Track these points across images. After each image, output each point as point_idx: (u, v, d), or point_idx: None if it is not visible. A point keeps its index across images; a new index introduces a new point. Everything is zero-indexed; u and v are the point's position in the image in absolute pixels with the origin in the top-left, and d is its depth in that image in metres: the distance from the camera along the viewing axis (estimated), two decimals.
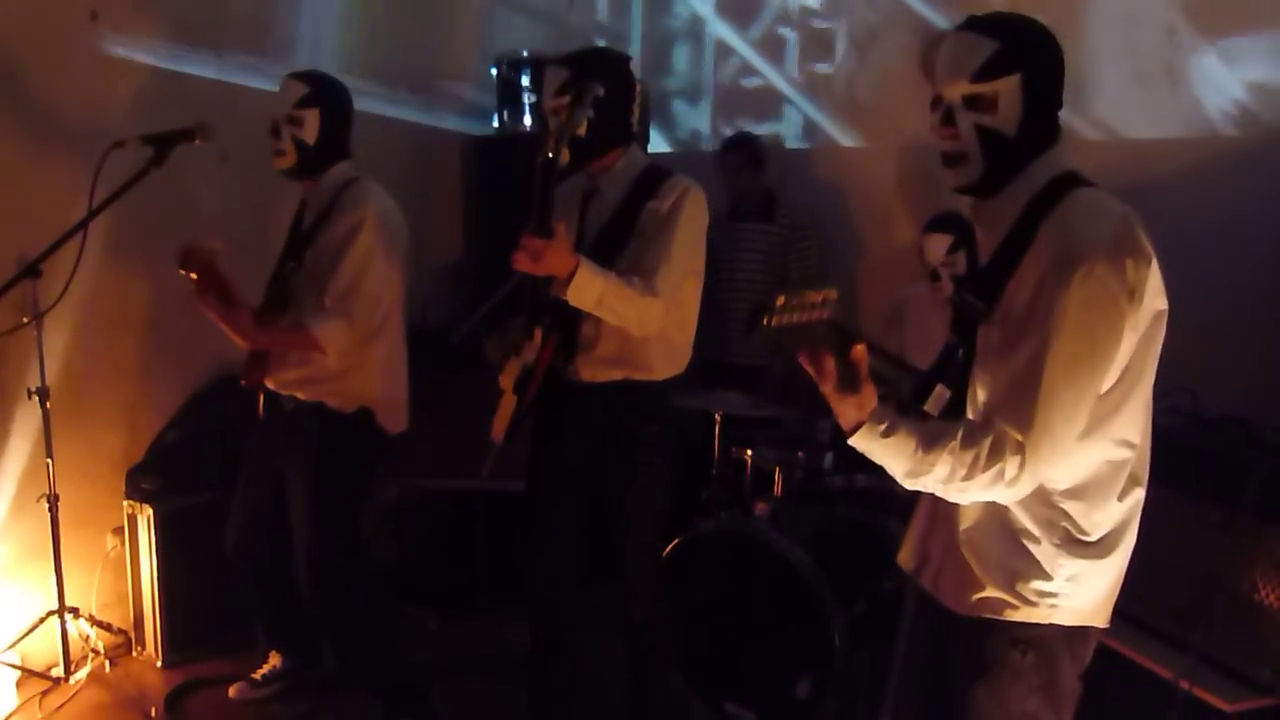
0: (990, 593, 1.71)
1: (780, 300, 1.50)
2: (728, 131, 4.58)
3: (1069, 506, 1.67)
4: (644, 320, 2.49)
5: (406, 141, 4.25)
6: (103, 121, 3.31)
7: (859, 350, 1.58)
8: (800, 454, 3.30)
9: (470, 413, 3.43)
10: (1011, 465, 1.56)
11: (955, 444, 1.58)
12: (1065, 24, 1.90)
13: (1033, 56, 1.65)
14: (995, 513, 1.71)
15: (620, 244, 2.56)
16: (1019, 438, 1.56)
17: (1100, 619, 1.75)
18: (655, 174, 2.61)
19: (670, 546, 3.09)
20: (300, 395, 2.95)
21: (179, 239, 3.45)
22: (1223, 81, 3.29)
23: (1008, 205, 1.67)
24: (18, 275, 2.75)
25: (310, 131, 2.87)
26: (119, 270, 3.49)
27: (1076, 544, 1.68)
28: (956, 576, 1.76)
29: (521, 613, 2.91)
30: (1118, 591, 1.75)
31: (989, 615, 1.72)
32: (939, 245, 3.24)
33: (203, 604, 3.52)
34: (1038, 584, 1.68)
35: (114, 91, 3.45)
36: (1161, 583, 2.55)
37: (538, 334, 2.60)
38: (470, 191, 4.60)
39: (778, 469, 3.30)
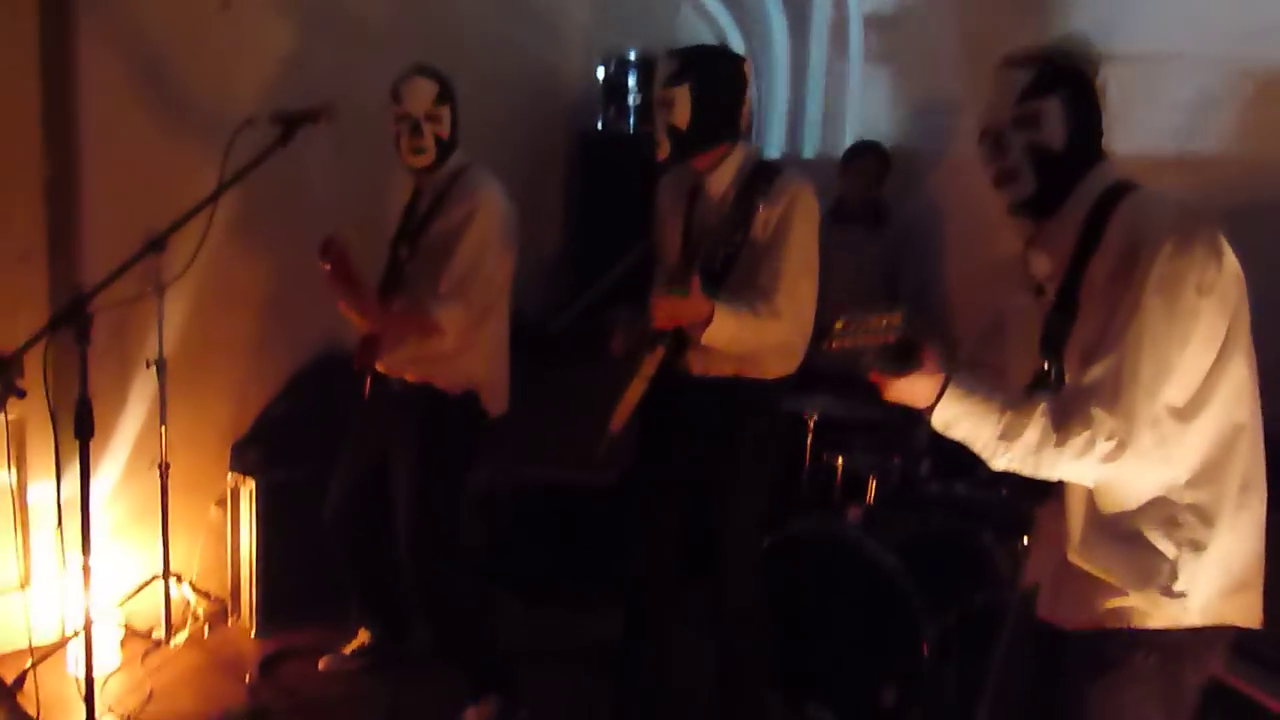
0: (1114, 603, 1.70)
1: (840, 324, 1.53)
2: None
3: (1191, 497, 1.67)
4: (769, 342, 2.55)
5: (513, 136, 4.32)
6: (230, 105, 3.42)
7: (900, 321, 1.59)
8: (896, 459, 3.28)
9: (564, 404, 3.49)
10: (1104, 433, 1.58)
11: (1045, 407, 1.60)
12: None
13: (1070, 79, 1.75)
14: (1111, 521, 1.70)
15: (732, 252, 2.57)
16: (1107, 416, 1.58)
17: (1240, 615, 1.71)
18: (766, 171, 2.62)
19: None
20: (409, 376, 3.03)
21: (294, 221, 3.65)
22: None
23: (1067, 221, 1.73)
24: (144, 249, 2.85)
25: (445, 127, 2.97)
26: (236, 249, 3.61)
27: (1202, 536, 1.67)
28: (1075, 593, 1.75)
29: (609, 603, 2.94)
30: (1260, 584, 1.72)
31: (1112, 625, 1.70)
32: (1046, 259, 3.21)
33: (297, 577, 3.61)
34: (1165, 583, 1.67)
35: (241, 77, 3.58)
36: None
37: (661, 351, 2.62)
38: (572, 188, 4.67)
39: (872, 475, 3.28)
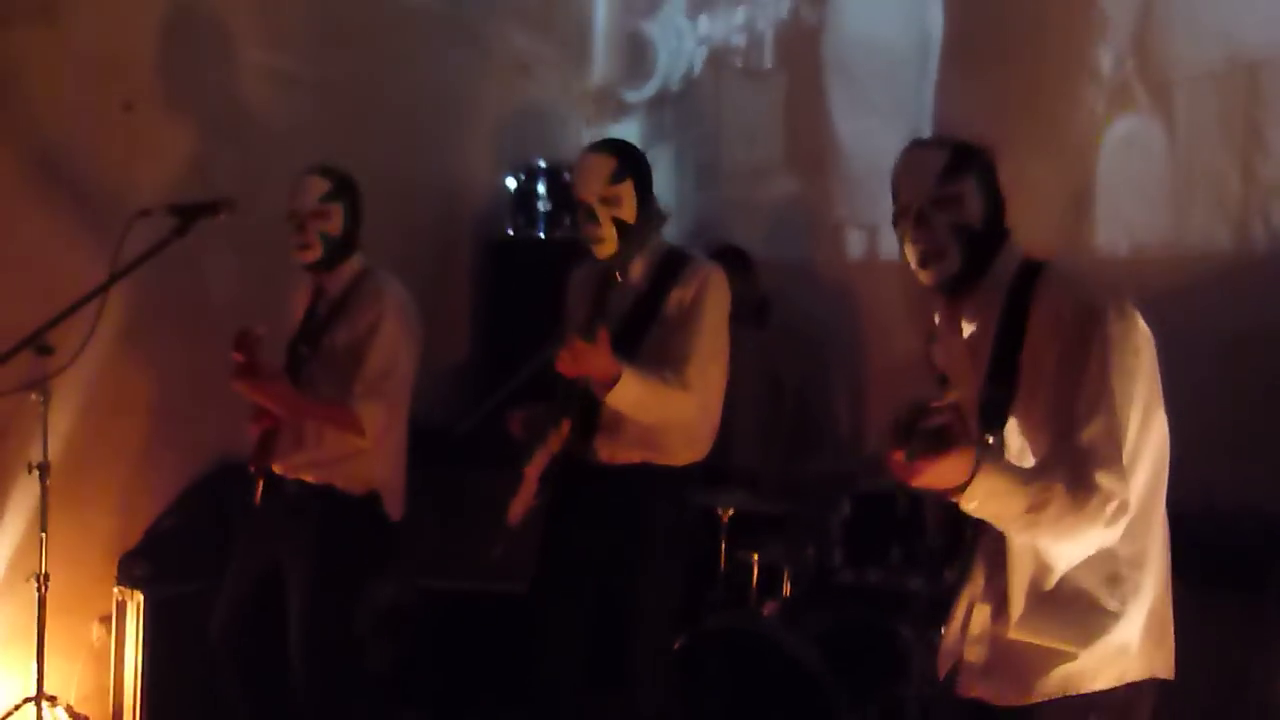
0: (1059, 670, 1.71)
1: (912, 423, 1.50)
2: None
3: (1128, 550, 1.72)
4: (677, 415, 2.53)
5: (419, 243, 4.33)
6: (130, 206, 3.35)
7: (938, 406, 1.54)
8: (810, 550, 3.26)
9: (473, 512, 3.40)
10: (1111, 500, 1.62)
11: (1060, 473, 1.63)
12: None
13: (979, 160, 1.86)
14: (1052, 589, 1.73)
15: (643, 331, 2.59)
16: (1109, 479, 1.62)
17: (1165, 668, 1.76)
18: (677, 258, 2.66)
19: (676, 644, 3.01)
20: (308, 478, 2.92)
21: (191, 326, 3.57)
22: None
23: (989, 293, 1.82)
24: (18, 345, 2.70)
25: (336, 225, 2.94)
26: (130, 354, 3.50)
27: (1139, 584, 1.72)
28: (1012, 668, 1.75)
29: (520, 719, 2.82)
30: (1173, 635, 1.78)
31: (1063, 694, 1.71)
32: None
33: (186, 700, 3.34)
34: (1109, 638, 1.70)
35: (142, 179, 3.53)
36: (1187, 681, 2.47)
37: (566, 425, 2.59)
38: (480, 295, 4.67)
39: (786, 569, 3.25)
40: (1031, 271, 1.80)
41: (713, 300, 2.59)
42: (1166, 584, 1.78)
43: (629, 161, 2.61)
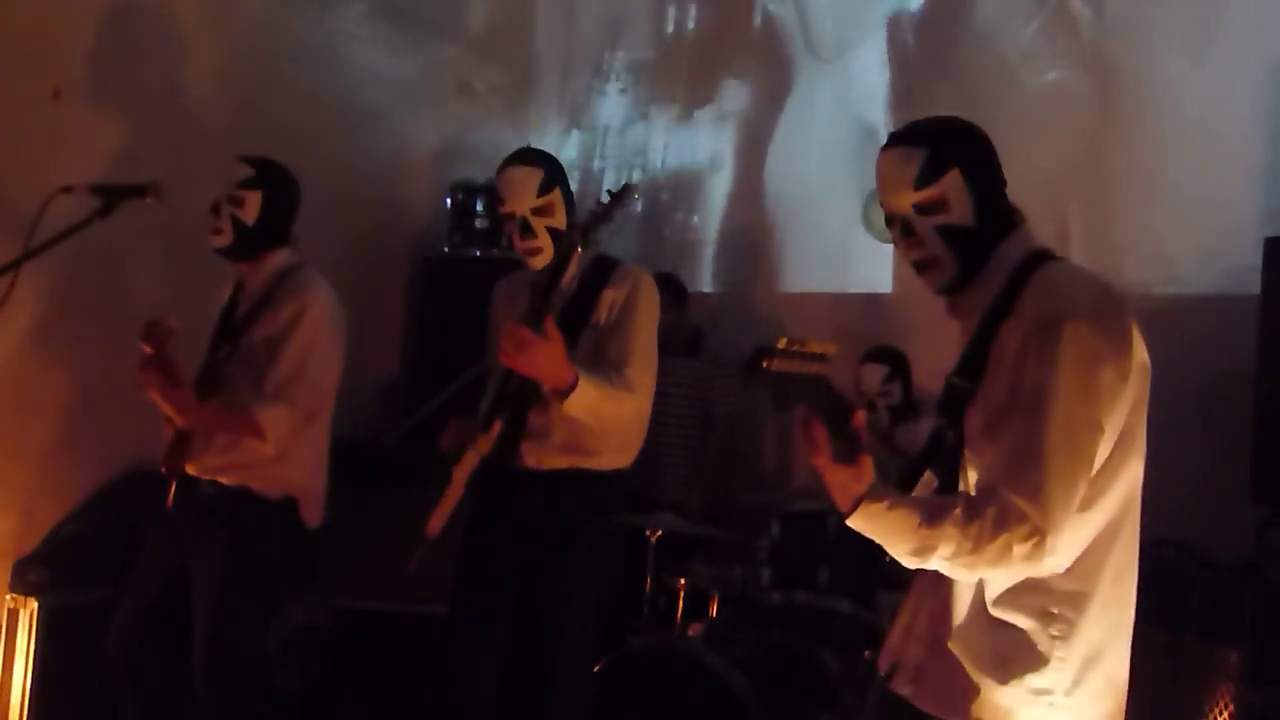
0: (982, 698, 1.61)
1: (782, 343, 1.49)
2: None
3: (1068, 586, 1.59)
4: (621, 418, 2.51)
5: (352, 257, 4.26)
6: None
7: (858, 418, 1.53)
8: (737, 572, 3.23)
9: (392, 530, 3.29)
10: (1020, 536, 1.51)
11: (958, 515, 1.53)
12: None
13: (963, 150, 1.70)
14: (985, 610, 1.63)
15: (575, 334, 2.55)
16: (1026, 507, 1.51)
17: None
18: (606, 262, 2.65)
19: (598, 665, 2.93)
20: (223, 480, 2.80)
21: (109, 327, 3.43)
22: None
23: (985, 288, 1.69)
24: None
25: (250, 213, 2.84)
26: (42, 349, 3.37)
27: (1072, 625, 1.60)
28: (944, 679, 1.65)
29: None
30: (1125, 695, 1.65)
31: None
32: (874, 375, 3.37)
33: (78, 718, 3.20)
34: (1033, 679, 1.59)
35: (66, 171, 3.39)
36: None
37: (497, 426, 2.54)
38: (413, 311, 4.61)
39: (713, 589, 3.21)
40: (1035, 263, 1.67)
41: (645, 304, 2.58)
42: (1117, 635, 1.63)
43: (554, 169, 2.62)
